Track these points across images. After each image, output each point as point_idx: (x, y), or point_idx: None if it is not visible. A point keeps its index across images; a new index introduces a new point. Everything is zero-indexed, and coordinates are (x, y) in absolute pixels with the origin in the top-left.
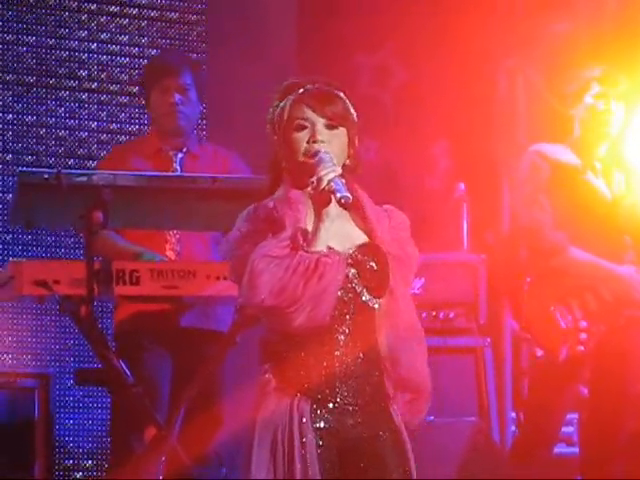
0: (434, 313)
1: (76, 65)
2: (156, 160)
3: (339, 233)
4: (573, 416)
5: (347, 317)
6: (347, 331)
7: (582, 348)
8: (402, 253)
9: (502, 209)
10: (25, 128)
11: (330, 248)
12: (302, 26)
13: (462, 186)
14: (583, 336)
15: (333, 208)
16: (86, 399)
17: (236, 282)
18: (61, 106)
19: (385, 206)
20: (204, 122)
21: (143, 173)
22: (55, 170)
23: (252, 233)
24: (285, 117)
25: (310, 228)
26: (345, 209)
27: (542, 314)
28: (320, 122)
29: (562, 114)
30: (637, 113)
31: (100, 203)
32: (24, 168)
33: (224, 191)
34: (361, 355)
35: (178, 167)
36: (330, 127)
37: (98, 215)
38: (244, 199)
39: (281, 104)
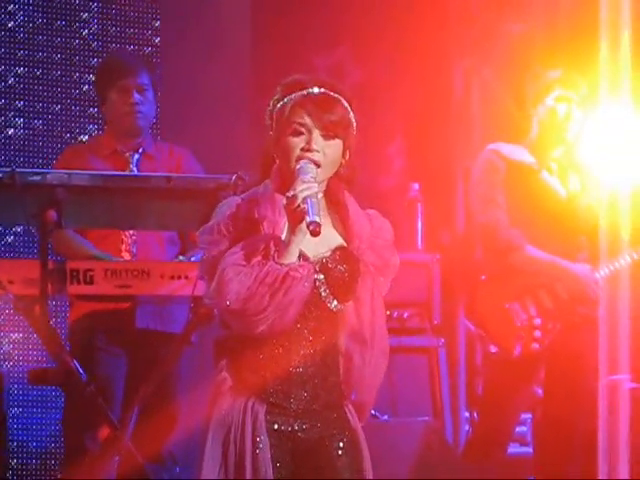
0: (388, 312)
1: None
2: (112, 161)
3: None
4: (527, 416)
5: (309, 321)
6: (307, 335)
7: (537, 345)
8: (377, 260)
9: (456, 209)
10: None
11: (303, 254)
12: (256, 25)
13: (416, 186)
14: (537, 333)
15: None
16: (39, 399)
17: (205, 277)
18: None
19: (369, 210)
20: (157, 121)
21: (98, 172)
22: (9, 169)
23: (230, 234)
24: (283, 118)
25: (285, 236)
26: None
27: (496, 311)
28: (317, 131)
29: (518, 115)
30: (593, 116)
31: (54, 202)
32: None
33: (179, 190)
34: (319, 360)
35: (135, 168)
36: (326, 137)
37: (52, 214)
38: (198, 198)
39: (282, 101)
